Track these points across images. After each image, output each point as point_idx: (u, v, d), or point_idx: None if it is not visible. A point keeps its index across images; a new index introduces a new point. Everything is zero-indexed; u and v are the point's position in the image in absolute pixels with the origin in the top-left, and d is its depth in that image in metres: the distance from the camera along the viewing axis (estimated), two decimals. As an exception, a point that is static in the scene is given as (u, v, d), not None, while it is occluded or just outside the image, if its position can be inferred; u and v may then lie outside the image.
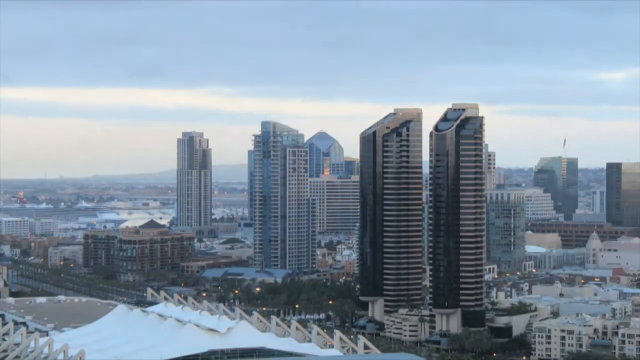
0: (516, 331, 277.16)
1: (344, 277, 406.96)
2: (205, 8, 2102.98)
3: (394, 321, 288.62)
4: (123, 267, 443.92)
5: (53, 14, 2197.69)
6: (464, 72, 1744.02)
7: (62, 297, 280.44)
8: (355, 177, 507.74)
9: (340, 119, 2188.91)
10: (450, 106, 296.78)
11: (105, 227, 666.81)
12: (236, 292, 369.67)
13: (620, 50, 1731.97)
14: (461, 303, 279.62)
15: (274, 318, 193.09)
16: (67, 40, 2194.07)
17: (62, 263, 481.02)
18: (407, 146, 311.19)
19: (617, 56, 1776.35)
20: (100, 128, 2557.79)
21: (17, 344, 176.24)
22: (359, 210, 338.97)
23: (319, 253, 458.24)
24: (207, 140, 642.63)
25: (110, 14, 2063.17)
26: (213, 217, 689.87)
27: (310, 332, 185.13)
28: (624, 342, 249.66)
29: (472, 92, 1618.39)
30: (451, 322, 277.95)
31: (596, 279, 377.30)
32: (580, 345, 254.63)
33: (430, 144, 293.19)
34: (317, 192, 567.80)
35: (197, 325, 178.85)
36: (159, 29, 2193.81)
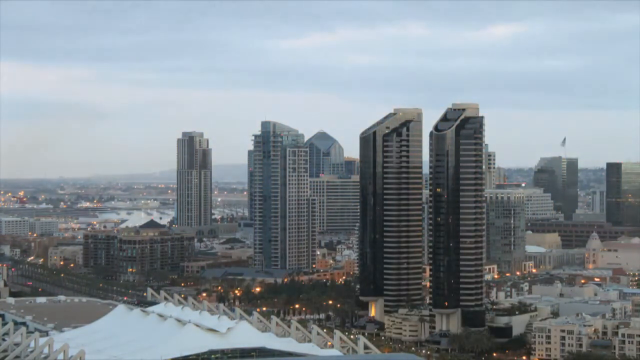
0: (516, 331, 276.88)
1: (344, 277, 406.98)
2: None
3: (394, 321, 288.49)
4: (123, 267, 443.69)
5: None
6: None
7: (62, 297, 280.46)
8: (355, 177, 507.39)
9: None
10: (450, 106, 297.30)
11: (105, 227, 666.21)
12: (236, 292, 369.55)
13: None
14: (461, 303, 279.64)
15: (274, 318, 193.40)
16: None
17: (62, 263, 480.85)
18: (407, 146, 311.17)
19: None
20: (100, 127, 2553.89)
21: (17, 344, 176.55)
22: (359, 210, 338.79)
23: (319, 253, 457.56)
24: (207, 140, 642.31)
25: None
26: (213, 217, 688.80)
27: (310, 332, 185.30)
28: (624, 342, 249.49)
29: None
30: (451, 322, 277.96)
31: (596, 279, 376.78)
32: (580, 345, 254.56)
33: (430, 144, 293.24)
34: (317, 192, 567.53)
35: (197, 325, 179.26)
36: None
